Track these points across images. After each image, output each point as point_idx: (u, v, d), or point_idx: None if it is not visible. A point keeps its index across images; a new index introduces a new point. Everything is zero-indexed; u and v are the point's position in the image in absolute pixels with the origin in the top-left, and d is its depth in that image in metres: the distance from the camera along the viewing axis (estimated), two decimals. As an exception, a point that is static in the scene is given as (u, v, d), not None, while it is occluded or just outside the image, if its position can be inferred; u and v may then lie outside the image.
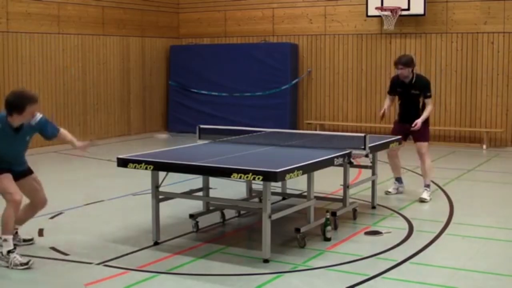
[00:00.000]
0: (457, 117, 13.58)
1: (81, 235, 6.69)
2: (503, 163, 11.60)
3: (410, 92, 8.26)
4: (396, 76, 8.44)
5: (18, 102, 5.62)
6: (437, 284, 5.26)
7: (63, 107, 13.65)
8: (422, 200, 8.14)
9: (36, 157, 10.94)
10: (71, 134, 6.27)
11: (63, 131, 6.20)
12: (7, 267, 5.52)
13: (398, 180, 8.74)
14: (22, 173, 5.97)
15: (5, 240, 5.61)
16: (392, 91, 8.54)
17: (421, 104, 8.29)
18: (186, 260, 5.84)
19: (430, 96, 8.29)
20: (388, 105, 8.55)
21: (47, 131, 6.06)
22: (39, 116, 5.89)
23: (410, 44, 13.77)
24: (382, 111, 8.43)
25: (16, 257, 5.56)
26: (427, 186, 8.30)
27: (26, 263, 5.54)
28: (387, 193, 8.55)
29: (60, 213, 7.60)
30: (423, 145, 8.28)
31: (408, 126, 8.24)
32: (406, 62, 8.17)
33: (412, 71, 8.24)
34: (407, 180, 9.46)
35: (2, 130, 5.71)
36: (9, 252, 5.57)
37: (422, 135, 8.26)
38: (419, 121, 8.12)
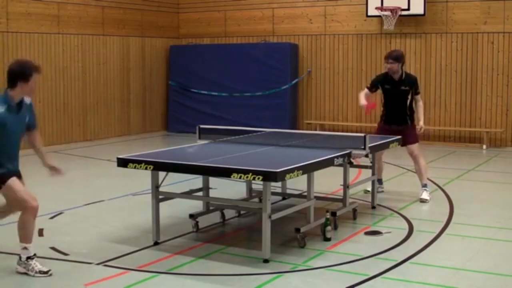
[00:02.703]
0: (457, 117, 13.58)
1: (81, 235, 6.69)
2: (503, 163, 11.59)
3: (399, 89, 8.16)
4: (384, 74, 8.32)
5: (24, 70, 5.29)
6: (437, 284, 5.26)
7: (63, 107, 13.65)
8: (422, 201, 8.13)
9: (36, 157, 10.92)
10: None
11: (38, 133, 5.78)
12: (26, 273, 5.38)
13: (379, 181, 8.60)
14: (18, 173, 5.50)
15: (24, 248, 5.41)
16: (373, 87, 8.35)
17: (408, 101, 8.21)
18: (186, 260, 5.83)
19: (419, 93, 8.34)
20: (366, 98, 8.27)
21: (33, 118, 5.58)
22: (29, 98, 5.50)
23: (410, 44, 13.76)
24: (364, 105, 8.12)
25: (36, 264, 5.41)
26: (425, 186, 8.28)
27: (46, 272, 5.38)
28: (366, 191, 8.37)
29: (60, 213, 7.60)
30: (414, 147, 8.24)
31: (395, 128, 8.18)
32: (396, 56, 8.11)
33: (401, 67, 8.20)
34: (407, 180, 9.47)
35: (7, 111, 5.23)
36: (28, 258, 5.40)
37: (411, 136, 8.18)
38: (422, 124, 8.19)
